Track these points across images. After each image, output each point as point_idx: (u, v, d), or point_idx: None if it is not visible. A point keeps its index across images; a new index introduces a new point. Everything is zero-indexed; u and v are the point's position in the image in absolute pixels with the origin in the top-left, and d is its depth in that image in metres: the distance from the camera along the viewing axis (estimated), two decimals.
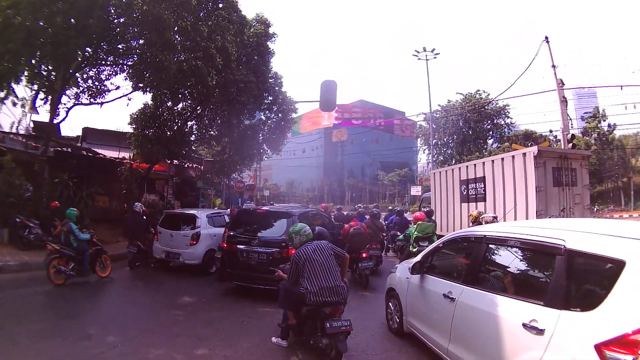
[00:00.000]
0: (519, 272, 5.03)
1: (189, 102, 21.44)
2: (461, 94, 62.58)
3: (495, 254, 5.46)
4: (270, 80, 23.12)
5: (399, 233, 15.11)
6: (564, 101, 24.28)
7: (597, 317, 3.47)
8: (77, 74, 17.33)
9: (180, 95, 20.26)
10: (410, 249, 11.69)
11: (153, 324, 8.04)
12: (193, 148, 25.15)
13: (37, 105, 17.58)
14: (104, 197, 21.31)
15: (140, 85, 17.13)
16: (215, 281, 11.98)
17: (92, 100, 18.56)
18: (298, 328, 6.76)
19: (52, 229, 14.43)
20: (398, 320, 7.51)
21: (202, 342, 7.01)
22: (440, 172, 20.84)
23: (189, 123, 22.85)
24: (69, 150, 20.11)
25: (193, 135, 23.61)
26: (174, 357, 6.38)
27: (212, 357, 6.45)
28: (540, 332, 3.85)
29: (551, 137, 48.59)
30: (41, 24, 13.32)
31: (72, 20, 13.84)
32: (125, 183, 20.30)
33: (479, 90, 61.09)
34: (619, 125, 50.88)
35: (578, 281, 4.03)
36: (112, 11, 14.88)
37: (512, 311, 4.37)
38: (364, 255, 11.85)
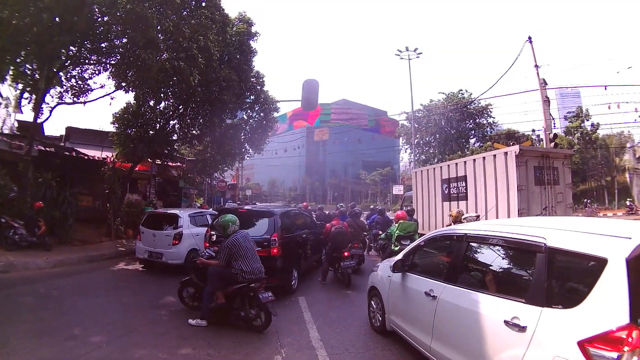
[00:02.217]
0: (500, 269, 5.05)
1: (171, 101, 21.33)
2: (443, 93, 62.93)
3: (477, 252, 5.49)
4: (252, 79, 22.98)
5: (381, 232, 15.10)
6: (546, 101, 24.55)
7: (580, 314, 3.51)
8: (61, 73, 17.20)
9: (162, 94, 20.17)
10: (392, 248, 11.69)
11: (137, 323, 7.99)
12: (175, 147, 24.97)
13: (21, 104, 17.44)
14: (87, 197, 21.14)
15: (123, 84, 17.03)
16: None
17: (75, 99, 18.40)
18: (226, 305, 7.87)
19: (37, 230, 14.32)
20: (380, 319, 7.52)
21: (186, 342, 6.99)
22: (422, 171, 20.84)
23: (171, 122, 22.70)
24: (53, 150, 19.93)
25: (175, 135, 23.42)
26: (159, 356, 6.38)
27: (196, 356, 6.43)
28: (522, 329, 3.89)
29: (534, 137, 48.95)
30: (27, 22, 13.19)
31: (57, 18, 13.73)
32: (108, 183, 20.18)
33: (461, 90, 61.45)
34: (603, 124, 51.38)
35: (559, 279, 4.06)
36: (97, 9, 14.72)
37: (493, 308, 4.40)
38: (346, 254, 11.84)
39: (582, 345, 3.29)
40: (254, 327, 7.66)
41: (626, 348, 3.10)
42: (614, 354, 3.14)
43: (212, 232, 10.78)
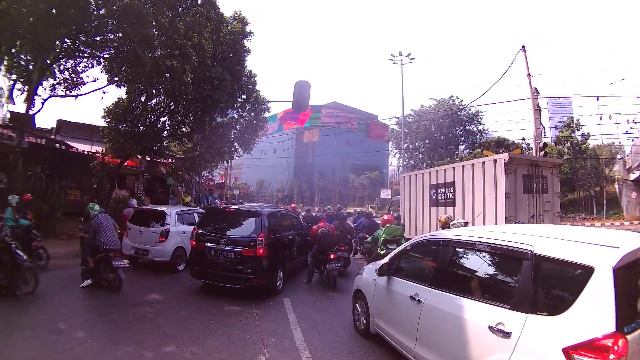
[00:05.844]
0: (486, 275, 5.06)
1: (163, 97, 21.27)
2: (434, 99, 63.22)
3: (463, 257, 5.49)
4: (244, 79, 22.95)
5: (367, 235, 15.05)
6: (537, 110, 24.61)
7: (565, 321, 3.53)
8: (54, 65, 17.14)
9: (154, 91, 20.12)
10: (378, 251, 11.63)
11: (122, 320, 7.97)
12: (165, 144, 24.89)
13: (13, 95, 17.34)
14: (75, 190, 21.02)
15: (115, 78, 16.97)
16: (184, 279, 11.88)
17: (67, 92, 18.32)
18: (95, 269, 10.23)
19: None
20: (365, 322, 7.49)
21: (170, 340, 6.99)
22: (410, 175, 20.79)
23: (162, 119, 22.68)
24: (43, 142, 19.83)
25: (165, 131, 23.37)
26: (143, 353, 6.36)
27: (180, 355, 6.42)
28: (506, 335, 3.90)
29: (524, 145, 49.03)
30: (24, 12, 13.10)
31: (54, 9, 13.64)
32: (97, 177, 20.08)
33: (452, 96, 61.74)
34: (594, 135, 51.41)
35: (545, 286, 4.08)
36: (93, 2, 14.63)
37: (478, 314, 4.41)
38: (332, 256, 11.79)
39: (567, 352, 3.31)
40: (112, 287, 10.06)
41: (612, 356, 3.12)
42: None
43: (200, 231, 10.70)
